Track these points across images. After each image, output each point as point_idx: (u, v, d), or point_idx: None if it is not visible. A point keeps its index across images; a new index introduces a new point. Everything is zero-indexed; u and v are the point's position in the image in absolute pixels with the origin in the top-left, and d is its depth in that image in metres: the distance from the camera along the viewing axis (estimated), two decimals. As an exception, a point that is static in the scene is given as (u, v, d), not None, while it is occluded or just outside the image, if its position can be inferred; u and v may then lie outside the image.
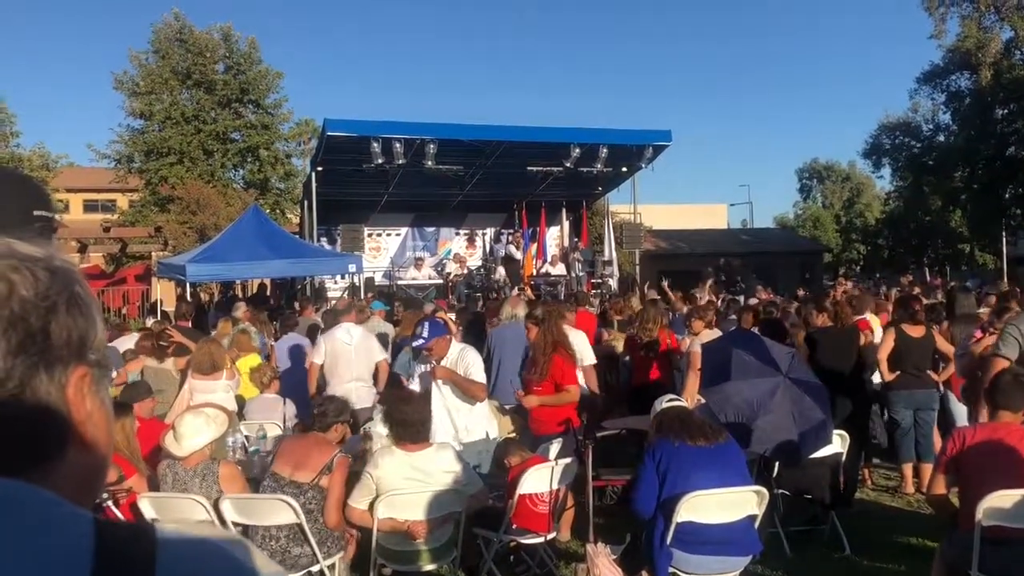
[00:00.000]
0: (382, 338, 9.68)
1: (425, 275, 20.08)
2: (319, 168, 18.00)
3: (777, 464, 5.79)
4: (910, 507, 7.04)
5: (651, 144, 18.76)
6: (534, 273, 19.80)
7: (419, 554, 4.66)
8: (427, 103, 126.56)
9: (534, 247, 21.07)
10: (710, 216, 46.81)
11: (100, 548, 0.69)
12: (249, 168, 32.12)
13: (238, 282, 21.29)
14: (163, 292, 20.18)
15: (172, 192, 27.52)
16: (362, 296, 15.77)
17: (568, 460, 5.27)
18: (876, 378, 7.80)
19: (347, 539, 4.79)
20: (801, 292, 16.43)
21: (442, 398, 5.97)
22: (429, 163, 17.09)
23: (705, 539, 4.29)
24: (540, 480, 5.14)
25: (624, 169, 19.63)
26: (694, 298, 9.83)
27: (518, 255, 19.83)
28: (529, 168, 19.21)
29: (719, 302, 13.71)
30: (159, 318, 13.98)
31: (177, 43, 30.47)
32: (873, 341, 8.06)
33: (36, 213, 1.89)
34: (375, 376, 8.28)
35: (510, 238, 20.05)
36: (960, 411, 7.26)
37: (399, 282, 19.65)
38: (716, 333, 8.07)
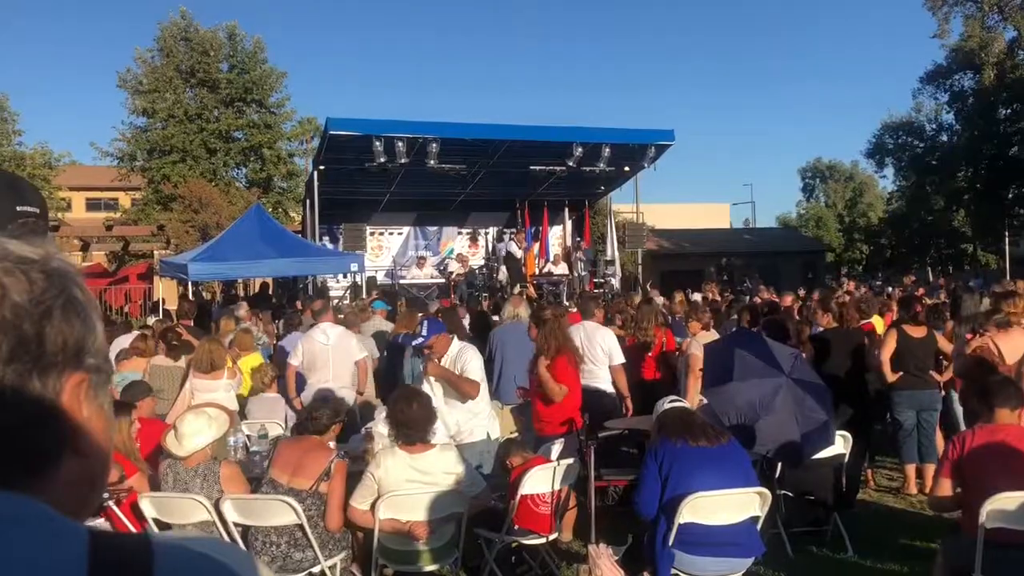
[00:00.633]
0: (381, 337, 9.68)
1: (427, 274, 20.08)
2: (321, 167, 18.00)
3: (780, 465, 5.77)
4: (913, 508, 7.02)
5: (654, 143, 18.73)
6: (536, 272, 19.80)
7: (420, 554, 4.65)
8: (429, 102, 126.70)
9: (536, 246, 21.06)
10: (713, 215, 46.80)
11: (94, 565, 0.68)
12: (252, 167, 32.11)
13: (240, 281, 21.28)
14: (165, 291, 20.17)
15: (175, 191, 27.52)
16: (364, 295, 15.77)
17: (570, 461, 5.26)
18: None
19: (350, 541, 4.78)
20: (803, 291, 16.38)
21: (433, 397, 5.96)
22: (431, 162, 17.07)
23: (707, 540, 4.28)
24: (542, 481, 5.12)
25: (627, 168, 19.60)
26: (696, 305, 9.81)
27: (519, 254, 19.83)
28: (532, 167, 19.20)
29: (722, 302, 13.71)
30: (161, 317, 14.00)
31: (183, 42, 30.47)
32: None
33: (19, 209, 1.87)
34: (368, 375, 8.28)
35: (512, 237, 20.04)
36: (962, 412, 7.24)
37: (401, 281, 19.65)
38: (714, 335, 8.07)
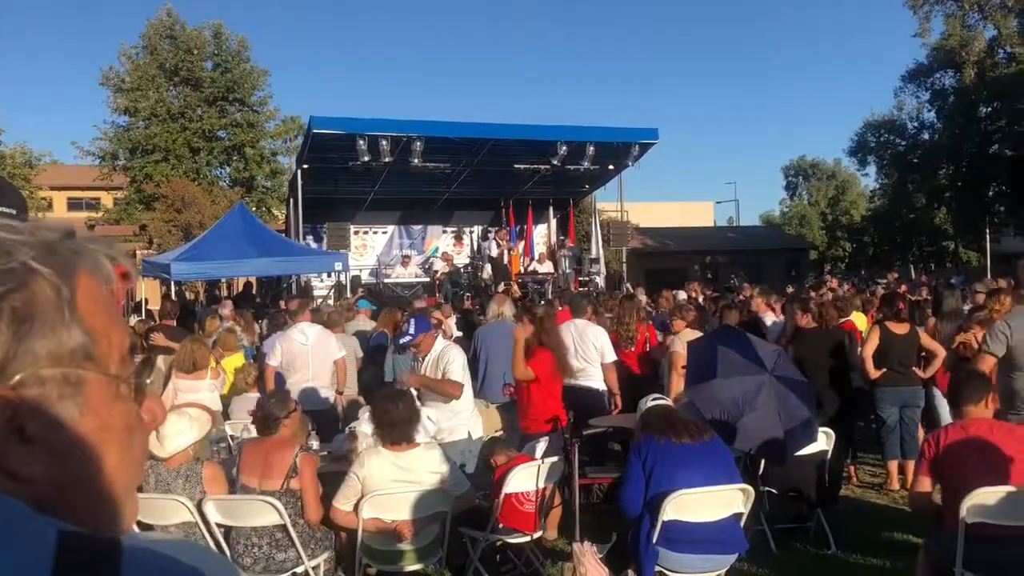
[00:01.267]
0: (363, 336, 9.65)
1: (412, 273, 20.03)
2: (305, 166, 17.92)
3: (763, 462, 5.79)
4: (896, 504, 7.06)
5: (638, 142, 18.78)
6: (522, 271, 19.79)
7: (405, 554, 4.64)
8: (413, 102, 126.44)
9: (521, 245, 21.07)
10: (697, 214, 46.97)
11: (59, 566, 0.66)
12: (235, 166, 31.93)
13: (223, 281, 21.16)
14: (148, 291, 20.03)
15: (157, 190, 27.34)
16: (348, 295, 15.72)
17: (554, 459, 5.26)
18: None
19: (333, 540, 4.76)
20: (790, 289, 16.46)
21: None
22: (416, 161, 17.04)
23: (691, 537, 4.29)
24: (526, 479, 5.12)
25: (611, 167, 19.64)
26: (681, 303, 9.85)
27: (500, 252, 19.82)
28: (516, 166, 19.20)
29: (705, 301, 13.75)
30: (143, 317, 13.91)
31: (168, 39, 30.26)
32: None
33: None
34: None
35: (497, 236, 20.04)
36: (945, 408, 7.28)
37: (386, 280, 19.59)
38: (699, 333, 8.10)
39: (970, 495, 3.85)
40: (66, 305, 0.76)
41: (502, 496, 4.98)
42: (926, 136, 38.42)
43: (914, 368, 7.52)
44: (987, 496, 3.88)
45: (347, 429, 6.17)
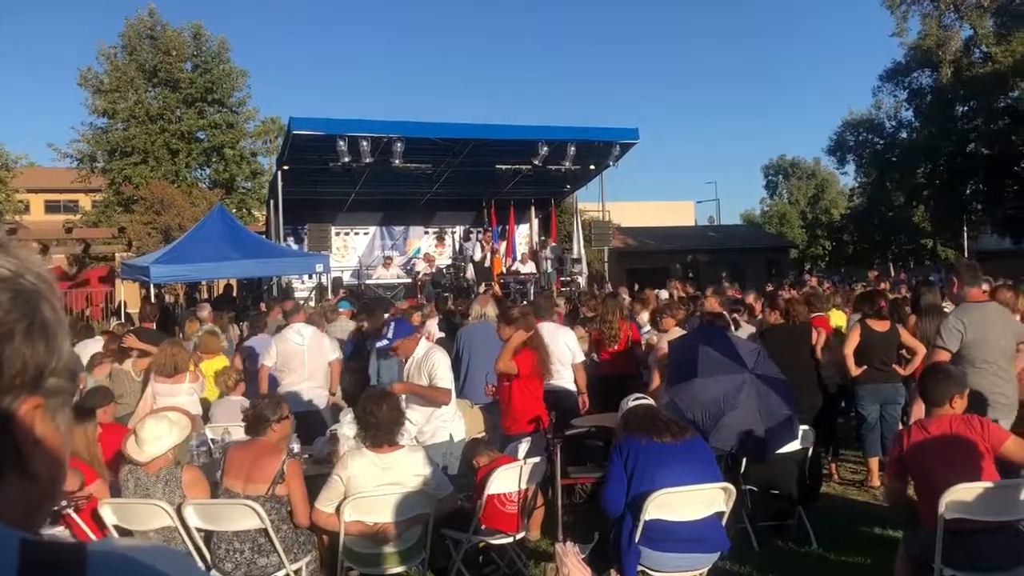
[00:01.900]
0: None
1: (394, 274, 19.99)
2: (285, 167, 17.84)
3: (744, 460, 5.81)
4: (876, 501, 7.10)
5: (619, 142, 18.85)
6: (504, 271, 19.79)
7: (387, 556, 4.61)
8: (394, 104, 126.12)
9: (503, 245, 21.07)
10: (678, 213, 47.14)
11: (24, 572, 0.66)
12: (214, 167, 31.71)
13: (203, 283, 21.01)
14: (127, 294, 19.86)
15: (136, 192, 27.11)
16: (329, 296, 15.65)
17: (536, 459, 5.26)
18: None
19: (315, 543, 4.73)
20: (770, 288, 16.56)
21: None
22: (397, 161, 16.99)
23: (673, 536, 4.30)
24: (508, 480, 5.12)
25: (592, 167, 19.69)
26: (668, 302, 9.90)
27: (482, 254, 19.80)
28: (498, 166, 19.21)
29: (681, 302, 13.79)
30: (122, 320, 13.79)
31: (148, 40, 30.00)
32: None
33: None
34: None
35: (479, 236, 20.03)
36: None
37: (368, 281, 19.53)
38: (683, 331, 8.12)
39: (948, 492, 3.88)
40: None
41: (484, 497, 4.97)
42: (904, 135, 38.72)
43: (894, 365, 7.57)
44: (965, 493, 3.91)
45: (328, 431, 6.15)
